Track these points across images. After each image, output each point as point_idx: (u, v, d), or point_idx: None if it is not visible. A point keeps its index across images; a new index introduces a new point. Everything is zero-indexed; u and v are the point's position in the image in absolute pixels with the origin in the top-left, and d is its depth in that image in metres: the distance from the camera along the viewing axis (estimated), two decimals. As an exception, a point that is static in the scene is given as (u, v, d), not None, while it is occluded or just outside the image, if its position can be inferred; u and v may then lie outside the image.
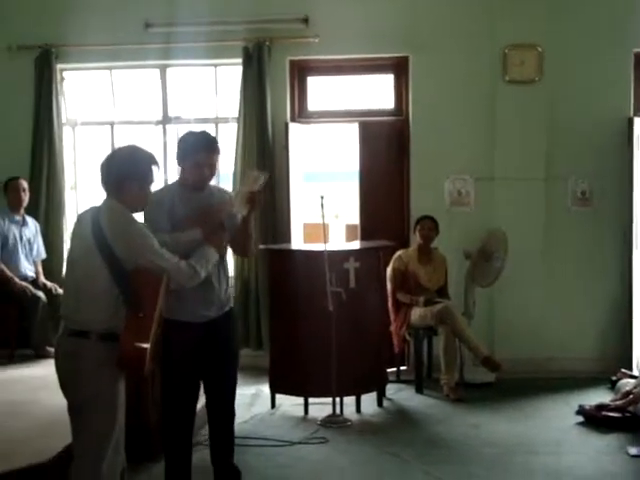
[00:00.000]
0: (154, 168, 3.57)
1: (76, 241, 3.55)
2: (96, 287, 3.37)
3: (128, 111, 7.64)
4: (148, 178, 3.56)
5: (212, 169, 4.19)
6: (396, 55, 7.25)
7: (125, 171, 3.50)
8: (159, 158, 6.42)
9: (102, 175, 3.55)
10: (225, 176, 7.34)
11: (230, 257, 6.84)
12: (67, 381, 3.43)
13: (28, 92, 7.31)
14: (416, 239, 6.74)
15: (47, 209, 7.31)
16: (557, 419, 5.78)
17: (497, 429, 5.58)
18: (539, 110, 6.98)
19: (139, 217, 3.68)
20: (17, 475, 4.04)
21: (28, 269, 6.92)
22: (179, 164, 4.21)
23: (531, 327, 6.95)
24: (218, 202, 4.19)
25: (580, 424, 5.63)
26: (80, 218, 3.59)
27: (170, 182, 4.50)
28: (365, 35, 7.10)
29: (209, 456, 4.40)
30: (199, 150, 4.12)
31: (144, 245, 3.46)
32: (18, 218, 6.93)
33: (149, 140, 7.51)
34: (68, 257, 3.68)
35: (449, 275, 6.86)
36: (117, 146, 3.72)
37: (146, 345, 3.32)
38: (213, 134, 6.69)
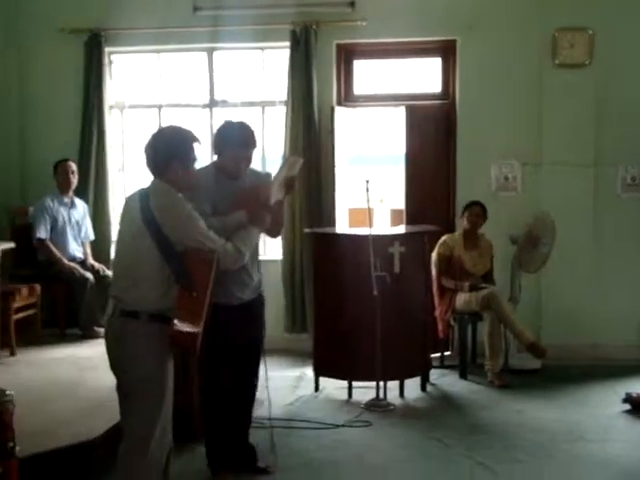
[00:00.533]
0: (196, 146, 3.59)
1: (125, 223, 3.59)
2: (147, 268, 3.41)
3: (175, 94, 7.68)
4: (192, 157, 3.58)
5: (248, 162, 4.25)
6: (444, 38, 7.19)
7: (170, 151, 3.52)
8: (206, 141, 6.48)
9: (147, 157, 3.58)
10: (272, 160, 7.35)
11: (278, 241, 6.92)
12: (117, 362, 3.48)
13: (78, 75, 7.39)
14: (463, 224, 6.69)
15: (95, 191, 7.40)
16: (603, 406, 5.72)
17: (542, 416, 5.54)
18: (588, 94, 6.88)
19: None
20: (64, 453, 4.12)
21: (76, 250, 7.02)
22: (217, 151, 4.26)
23: (578, 313, 6.88)
24: (256, 184, 4.19)
25: (627, 412, 5.57)
26: (128, 200, 3.63)
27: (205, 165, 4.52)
28: (412, 18, 7.04)
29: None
30: (237, 145, 4.16)
31: (192, 226, 3.48)
32: (67, 200, 7.02)
33: (196, 123, 7.55)
34: (117, 239, 3.71)
35: (495, 260, 6.80)
36: (158, 128, 3.71)
37: (199, 326, 3.36)
38: (257, 119, 6.73)
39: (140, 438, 3.42)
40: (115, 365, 3.50)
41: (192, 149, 3.57)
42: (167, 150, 3.52)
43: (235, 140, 4.17)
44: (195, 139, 3.60)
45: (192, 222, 3.49)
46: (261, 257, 4.62)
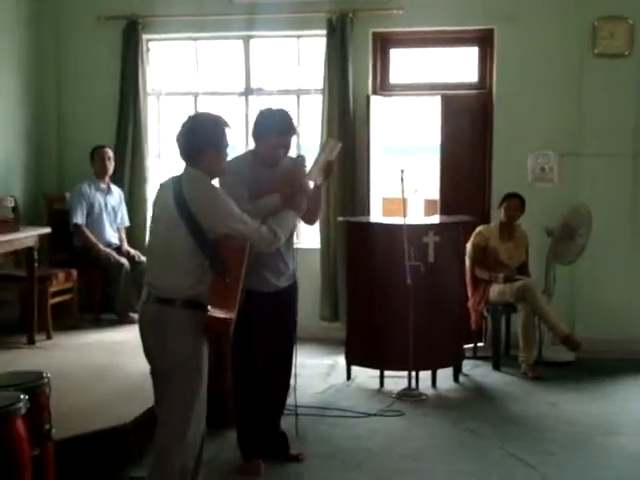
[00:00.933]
0: (228, 131, 3.59)
1: (158, 210, 3.60)
2: (180, 254, 3.42)
3: (211, 82, 7.71)
4: (224, 143, 3.58)
5: (287, 149, 4.26)
6: (481, 27, 7.13)
7: (203, 139, 3.52)
8: (241, 129, 6.51)
9: (180, 145, 3.58)
10: (307, 149, 7.35)
11: (315, 229, 6.93)
12: (153, 349, 3.49)
13: (115, 62, 7.44)
14: (499, 215, 6.63)
15: (131, 178, 7.45)
16: (637, 400, 5.68)
17: (575, 408, 5.50)
18: (628, 84, 6.80)
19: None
20: (99, 437, 4.16)
21: (112, 236, 7.08)
22: (256, 139, 4.27)
23: (613, 307, 6.81)
24: (292, 169, 4.19)
25: (661, 406, 5.52)
26: (161, 187, 3.64)
27: (244, 152, 4.53)
28: (449, 7, 6.99)
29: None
30: (277, 132, 4.17)
31: (226, 211, 3.49)
32: (103, 186, 7.09)
33: (231, 111, 7.57)
34: (151, 226, 3.73)
35: (530, 251, 6.75)
36: (186, 116, 3.71)
37: (233, 312, 3.38)
38: (292, 107, 6.73)
39: (177, 424, 3.44)
40: (150, 352, 3.52)
41: (224, 135, 3.58)
42: (200, 137, 3.53)
43: (275, 127, 4.17)
44: (226, 124, 3.60)
45: (226, 207, 3.50)
46: (297, 245, 4.64)
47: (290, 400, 4.73)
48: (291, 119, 4.25)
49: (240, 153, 4.55)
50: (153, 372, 3.55)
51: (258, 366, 4.34)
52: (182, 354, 3.42)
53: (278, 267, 4.28)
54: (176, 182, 3.51)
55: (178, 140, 3.59)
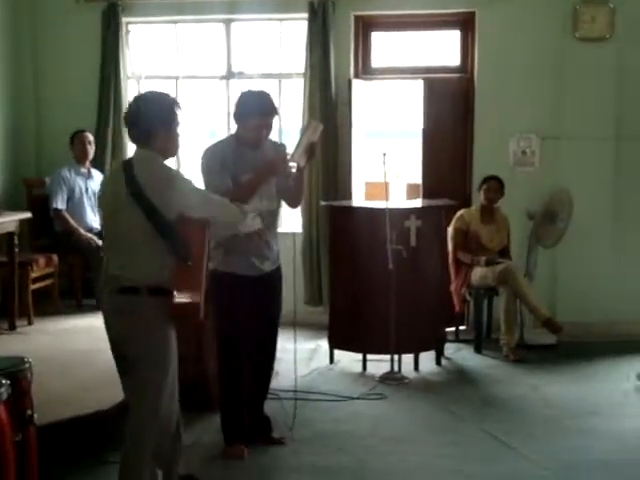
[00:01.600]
0: (178, 111, 3.50)
1: (109, 198, 3.51)
2: (140, 241, 3.35)
3: (192, 65, 7.66)
4: (175, 121, 3.49)
5: (269, 130, 4.26)
6: (462, 10, 7.11)
7: (153, 118, 3.42)
8: (223, 113, 6.48)
9: (129, 127, 3.49)
10: (287, 133, 7.33)
11: (297, 213, 6.91)
12: (119, 338, 3.45)
13: (95, 45, 7.36)
14: (479, 199, 6.65)
15: (112, 162, 7.39)
16: (619, 382, 5.71)
17: (557, 391, 5.54)
18: (609, 68, 6.80)
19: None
20: (80, 422, 4.16)
21: (93, 221, 7.03)
22: (238, 120, 4.26)
23: (595, 290, 6.84)
24: (275, 156, 4.22)
25: (643, 388, 5.57)
26: (111, 174, 3.57)
27: (224, 138, 4.52)
28: (431, -10, 6.98)
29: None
30: (258, 113, 4.17)
31: (183, 189, 3.42)
32: (84, 170, 7.04)
33: (212, 95, 7.54)
34: (103, 214, 3.67)
35: (511, 235, 6.78)
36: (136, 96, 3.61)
37: (199, 295, 3.34)
38: (274, 91, 6.72)
39: (147, 411, 3.42)
40: (117, 341, 3.47)
41: (174, 113, 3.49)
42: (149, 117, 3.42)
43: (257, 108, 4.17)
44: (177, 104, 3.53)
45: (182, 186, 3.42)
46: (279, 230, 4.64)
47: (277, 384, 4.74)
48: (272, 100, 4.26)
49: (223, 137, 4.56)
50: (119, 361, 3.50)
51: (241, 350, 4.34)
52: (150, 342, 3.38)
53: (262, 251, 4.28)
54: (127, 166, 3.43)
55: (127, 122, 3.49)
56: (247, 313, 4.27)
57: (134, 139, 3.50)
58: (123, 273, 3.38)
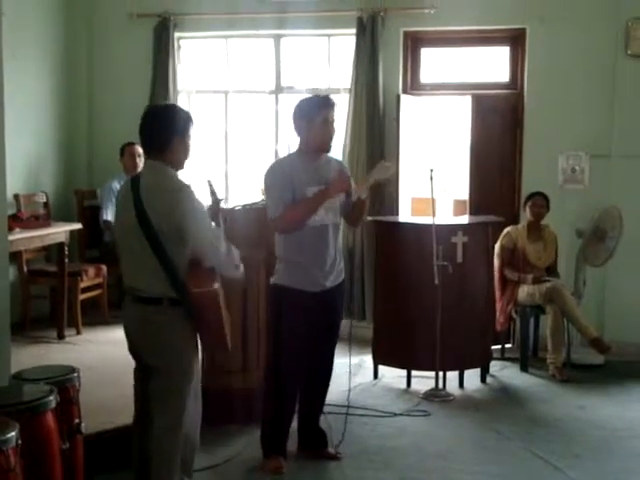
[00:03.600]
0: (190, 123, 3.53)
1: (120, 209, 3.54)
2: (148, 260, 3.35)
3: (242, 80, 7.73)
4: (188, 132, 3.51)
5: (333, 127, 4.27)
6: (513, 27, 7.08)
7: (169, 128, 3.44)
8: (271, 127, 6.52)
9: (146, 135, 3.50)
10: (334, 148, 7.32)
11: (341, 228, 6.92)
12: (141, 348, 3.50)
13: (146, 59, 7.50)
14: (526, 216, 6.60)
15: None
16: (668, 404, 5.62)
17: (604, 412, 5.46)
18: (661, 86, 6.73)
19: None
20: (127, 431, 4.17)
21: (142, 232, 7.10)
22: (304, 126, 4.23)
23: (644, 310, 6.75)
24: (336, 174, 4.27)
25: (690, 411, 5.47)
26: (122, 189, 3.57)
27: (289, 153, 4.56)
28: (481, 6, 6.95)
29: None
30: (320, 107, 4.20)
31: (188, 203, 3.36)
32: (133, 183, 7.13)
33: (262, 109, 7.60)
34: (116, 224, 3.67)
35: (560, 253, 6.71)
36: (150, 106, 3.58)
37: (214, 284, 3.34)
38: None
39: (172, 419, 3.45)
40: (139, 351, 3.52)
41: (188, 125, 3.51)
42: (167, 127, 3.45)
43: (317, 103, 4.23)
44: (191, 117, 3.55)
45: (186, 199, 3.36)
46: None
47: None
48: (326, 95, 4.37)
49: (284, 155, 4.64)
50: (141, 369, 3.55)
51: (294, 365, 4.33)
52: (172, 352, 3.42)
53: (326, 267, 4.27)
54: (135, 182, 3.44)
55: (141, 133, 3.50)
56: (305, 328, 4.26)
57: (148, 150, 3.52)
58: (141, 285, 3.42)
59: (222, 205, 3.94)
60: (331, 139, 4.26)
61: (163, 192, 3.36)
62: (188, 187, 3.42)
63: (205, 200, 3.77)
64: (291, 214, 4.11)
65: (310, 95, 4.40)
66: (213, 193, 3.86)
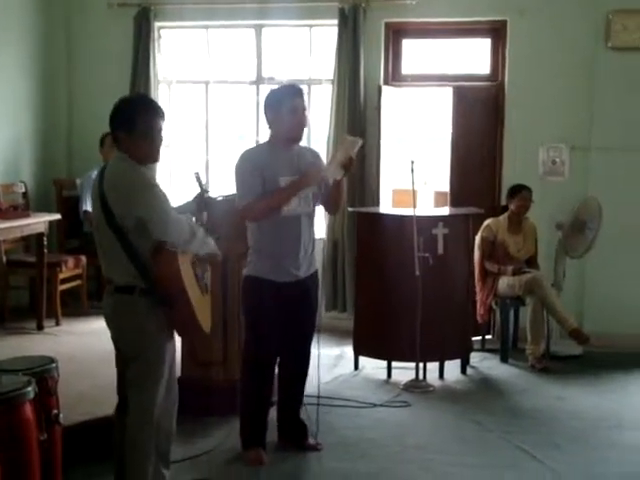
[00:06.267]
0: (159, 118, 3.47)
1: (93, 201, 3.52)
2: (116, 250, 3.37)
3: (222, 70, 7.70)
4: (157, 126, 3.45)
5: (304, 115, 4.24)
6: (494, 19, 7.08)
7: (130, 120, 3.40)
8: (252, 118, 6.51)
9: (111, 126, 3.45)
10: (317, 140, 7.34)
11: (322, 218, 6.93)
12: (117, 336, 3.51)
13: (126, 49, 7.44)
14: (510, 207, 6.59)
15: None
16: (646, 395, 5.66)
17: (583, 402, 5.49)
18: (641, 78, 6.76)
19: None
20: (106, 422, 4.16)
21: (121, 223, 7.07)
22: (273, 117, 4.23)
23: (623, 301, 6.79)
24: (310, 165, 4.25)
25: (669, 401, 5.51)
26: (96, 175, 3.53)
27: (259, 143, 4.55)
28: (463, -2, 6.97)
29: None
30: (293, 94, 4.20)
31: (149, 197, 3.34)
32: (113, 173, 7.08)
33: (243, 100, 7.57)
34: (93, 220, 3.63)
35: (539, 245, 6.73)
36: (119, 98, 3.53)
37: (176, 266, 3.34)
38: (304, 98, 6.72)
39: (146, 404, 3.45)
40: (116, 339, 3.54)
41: (157, 117, 3.45)
42: (128, 118, 3.40)
43: (286, 92, 4.23)
44: (159, 112, 3.48)
45: (146, 193, 3.35)
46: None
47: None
48: (296, 84, 4.36)
49: (258, 144, 4.61)
50: (121, 358, 3.57)
51: (270, 357, 4.33)
52: (144, 340, 3.42)
53: (297, 257, 4.26)
54: (101, 174, 3.43)
55: (111, 121, 3.46)
56: (280, 319, 4.25)
57: (115, 140, 3.48)
58: (114, 275, 3.43)
59: (208, 195, 3.94)
60: (301, 128, 4.23)
61: (121, 185, 3.35)
62: (148, 179, 3.41)
63: (193, 193, 3.84)
64: (264, 203, 4.10)
65: (280, 85, 4.39)
66: (200, 186, 3.87)
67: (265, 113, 4.28)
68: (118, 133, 3.43)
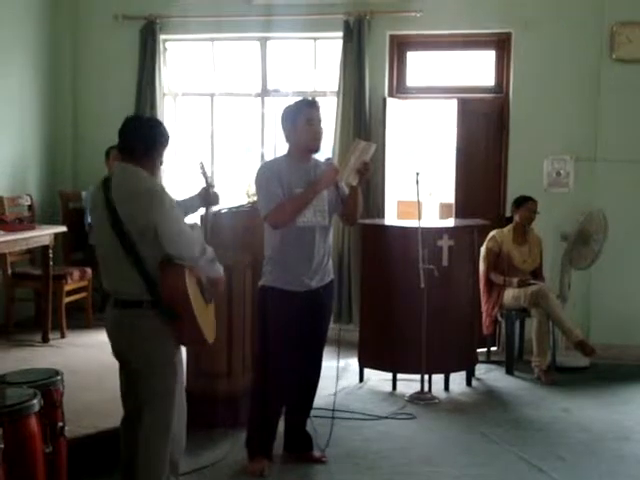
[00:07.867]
0: (167, 145, 3.55)
1: (94, 212, 3.53)
2: (123, 262, 3.35)
3: (228, 83, 7.72)
4: (164, 151, 3.54)
5: (320, 127, 4.25)
6: (499, 31, 7.11)
7: (160, 137, 3.47)
8: (257, 130, 6.53)
9: (131, 138, 3.46)
10: (321, 152, 7.31)
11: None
12: (124, 352, 3.49)
13: (132, 62, 7.47)
14: (515, 218, 6.59)
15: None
16: (652, 407, 5.64)
17: (588, 414, 5.47)
18: (646, 90, 6.76)
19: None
20: (111, 434, 4.15)
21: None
22: (289, 129, 4.26)
23: (629, 313, 6.79)
24: (327, 167, 4.28)
25: (675, 414, 5.49)
26: (94, 193, 3.55)
27: (277, 156, 4.57)
28: (467, 10, 6.98)
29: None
30: (307, 106, 4.23)
31: (157, 204, 3.33)
32: (119, 185, 7.10)
33: (248, 112, 7.59)
34: (95, 233, 3.63)
35: (545, 257, 6.73)
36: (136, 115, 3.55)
37: (183, 279, 3.34)
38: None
39: (161, 420, 3.44)
40: (122, 355, 3.52)
41: (165, 145, 3.53)
42: (157, 135, 3.47)
43: (301, 104, 4.26)
44: (168, 140, 3.56)
45: (155, 200, 3.34)
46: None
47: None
48: (310, 97, 4.41)
49: (273, 158, 4.63)
50: (126, 372, 3.54)
51: (282, 367, 4.31)
52: (155, 354, 3.42)
53: (311, 266, 4.26)
54: (106, 184, 3.42)
55: (125, 135, 3.47)
56: (292, 330, 4.24)
57: (125, 154, 3.49)
58: (121, 289, 3.42)
59: (213, 190, 3.97)
60: (318, 139, 4.25)
61: (133, 192, 3.35)
62: (160, 187, 3.43)
63: (199, 183, 3.90)
64: (282, 209, 4.11)
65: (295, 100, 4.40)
66: (205, 175, 3.90)
67: (282, 126, 4.31)
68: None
